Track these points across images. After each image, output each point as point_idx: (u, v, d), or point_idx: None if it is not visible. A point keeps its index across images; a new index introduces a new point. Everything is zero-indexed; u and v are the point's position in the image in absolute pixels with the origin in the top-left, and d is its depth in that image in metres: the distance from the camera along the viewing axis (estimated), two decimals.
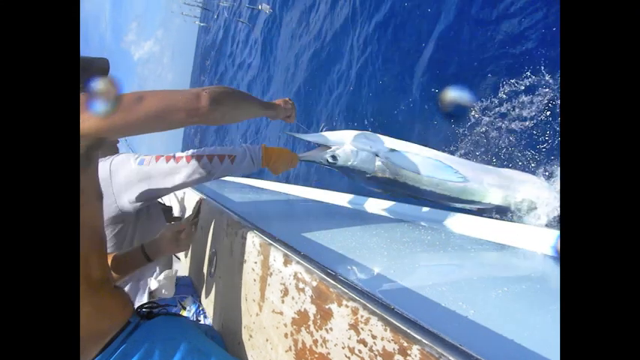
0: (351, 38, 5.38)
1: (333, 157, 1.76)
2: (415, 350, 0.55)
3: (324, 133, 1.86)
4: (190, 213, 2.27)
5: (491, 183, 1.84)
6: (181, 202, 3.08)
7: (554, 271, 1.17)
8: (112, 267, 1.34)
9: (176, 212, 2.93)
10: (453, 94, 3.09)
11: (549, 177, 2.08)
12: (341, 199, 2.53)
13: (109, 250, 1.49)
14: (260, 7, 11.11)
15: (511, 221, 1.74)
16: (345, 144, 1.78)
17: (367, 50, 4.87)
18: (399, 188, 1.83)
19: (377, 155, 1.78)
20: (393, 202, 2.17)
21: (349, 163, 1.76)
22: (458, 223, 1.78)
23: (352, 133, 1.85)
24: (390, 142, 1.84)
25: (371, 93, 4.60)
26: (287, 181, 5.16)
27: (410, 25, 4.24)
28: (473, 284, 0.99)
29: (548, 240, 1.41)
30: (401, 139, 1.87)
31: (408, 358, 0.56)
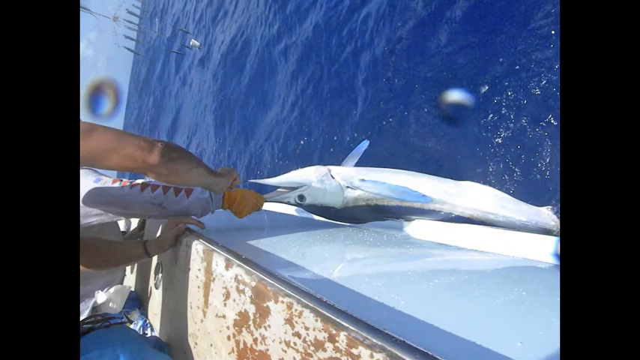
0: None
1: (300, 197, 1.79)
2: (342, 336, 0.59)
3: (289, 174, 1.88)
4: (135, 226, 2.22)
5: (451, 193, 1.89)
6: None
7: (480, 264, 1.27)
8: (106, 254, 1.29)
9: (122, 226, 2.84)
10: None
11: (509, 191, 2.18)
12: (289, 208, 2.57)
13: None
14: (190, 42, 11.19)
15: (448, 222, 1.85)
16: (309, 182, 1.80)
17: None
18: (367, 214, 1.86)
19: (348, 187, 1.82)
20: None
21: (317, 201, 1.79)
22: (400, 225, 1.86)
23: (316, 168, 1.87)
24: (351, 172, 1.88)
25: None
26: None
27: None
28: (408, 279, 1.06)
29: (479, 238, 1.53)
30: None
31: (336, 344, 0.60)
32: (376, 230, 1.80)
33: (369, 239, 1.52)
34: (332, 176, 1.85)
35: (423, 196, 1.86)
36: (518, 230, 1.91)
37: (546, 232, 2.00)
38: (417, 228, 1.77)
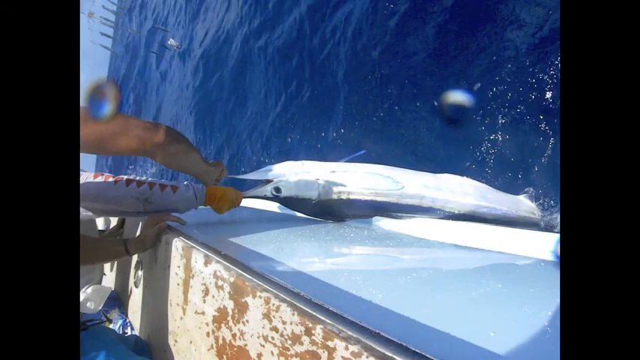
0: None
1: (277, 189, 1.80)
2: (319, 329, 0.60)
3: (263, 169, 1.90)
4: (115, 225, 2.19)
5: (429, 186, 1.90)
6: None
7: (458, 259, 1.29)
8: (85, 250, 1.26)
9: (100, 225, 2.79)
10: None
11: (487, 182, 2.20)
12: (271, 205, 2.56)
13: None
14: (169, 42, 11.06)
15: (427, 217, 1.88)
16: (285, 175, 1.82)
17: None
18: (344, 208, 1.87)
19: (318, 179, 1.83)
20: None
21: (293, 193, 1.81)
22: (380, 220, 1.88)
23: (290, 164, 1.90)
24: (327, 165, 1.90)
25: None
26: None
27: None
28: (387, 273, 1.07)
29: (458, 233, 1.56)
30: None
31: (312, 337, 0.61)
32: (357, 226, 1.81)
33: (349, 234, 1.53)
34: (305, 169, 1.87)
35: (396, 182, 1.86)
36: (501, 220, 1.95)
37: (527, 220, 2.04)
38: (398, 224, 1.79)
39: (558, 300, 0.87)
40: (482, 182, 2.03)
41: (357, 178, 1.86)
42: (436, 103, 2.83)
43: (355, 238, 1.47)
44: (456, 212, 1.89)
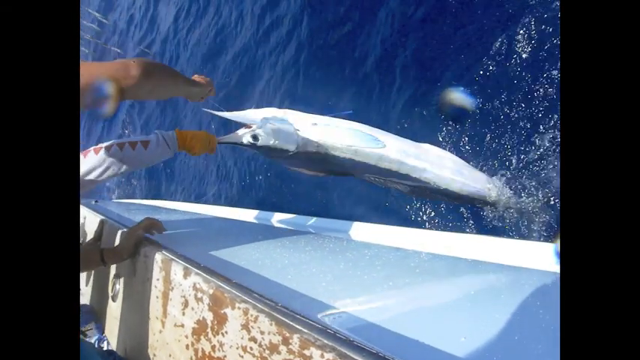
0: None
1: (254, 136, 1.69)
2: (295, 339, 0.62)
3: (243, 112, 1.79)
4: (92, 237, 2.16)
5: (409, 154, 1.87)
6: (82, 227, 2.88)
7: (433, 267, 1.33)
8: None
9: None
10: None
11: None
12: (251, 215, 2.57)
13: None
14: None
15: (406, 226, 1.92)
16: (265, 123, 1.72)
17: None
18: (321, 163, 1.81)
19: (298, 130, 1.74)
20: (302, 216, 2.27)
21: (270, 142, 1.71)
22: (359, 230, 1.91)
23: (271, 110, 1.80)
24: (310, 118, 1.82)
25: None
26: (199, 200, 5.04)
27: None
28: (364, 283, 1.10)
29: (433, 241, 1.60)
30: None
31: (290, 346, 0.63)
32: (336, 236, 1.84)
33: (328, 245, 1.56)
34: (287, 118, 1.79)
35: (377, 140, 1.81)
36: (472, 197, 1.98)
37: (495, 201, 2.06)
38: (376, 233, 1.83)
39: (526, 305, 0.92)
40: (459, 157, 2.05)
41: (339, 134, 1.80)
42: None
43: (334, 248, 1.50)
44: (432, 184, 1.90)
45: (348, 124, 1.86)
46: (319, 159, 1.80)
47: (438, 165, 1.90)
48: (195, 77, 1.57)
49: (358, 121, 1.91)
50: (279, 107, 1.88)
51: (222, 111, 1.85)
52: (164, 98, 1.36)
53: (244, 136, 1.70)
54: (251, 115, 1.78)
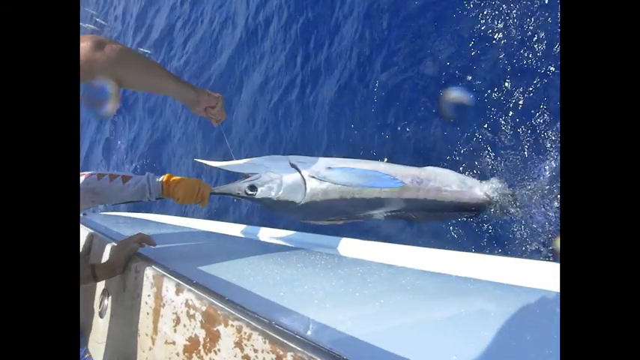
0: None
1: (252, 187, 1.53)
2: (289, 357, 0.62)
3: (239, 161, 1.64)
4: (81, 251, 2.13)
5: (422, 178, 1.87)
6: None
7: (426, 284, 1.34)
8: None
9: None
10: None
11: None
12: (241, 230, 2.57)
13: None
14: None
15: (400, 244, 1.93)
16: (264, 170, 1.57)
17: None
18: (340, 210, 1.72)
19: (313, 177, 1.60)
20: (293, 231, 2.26)
21: (272, 194, 1.54)
22: (350, 247, 1.92)
23: (272, 157, 1.67)
24: (321, 161, 1.69)
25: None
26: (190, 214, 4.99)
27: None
28: (356, 300, 1.10)
29: (423, 258, 1.61)
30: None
31: None
32: (328, 253, 1.84)
33: (320, 261, 1.56)
34: (292, 165, 1.61)
35: (395, 179, 1.74)
36: (481, 203, 2.03)
37: (496, 203, 2.11)
38: (368, 249, 1.84)
39: (516, 323, 0.93)
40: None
41: (353, 174, 1.68)
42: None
43: (326, 265, 1.50)
44: (446, 201, 1.93)
45: (355, 164, 1.78)
46: (340, 205, 1.69)
47: (445, 183, 1.96)
48: (206, 91, 1.48)
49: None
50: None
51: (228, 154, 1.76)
52: (141, 89, 1.30)
53: (241, 187, 1.54)
54: (246, 163, 1.62)
